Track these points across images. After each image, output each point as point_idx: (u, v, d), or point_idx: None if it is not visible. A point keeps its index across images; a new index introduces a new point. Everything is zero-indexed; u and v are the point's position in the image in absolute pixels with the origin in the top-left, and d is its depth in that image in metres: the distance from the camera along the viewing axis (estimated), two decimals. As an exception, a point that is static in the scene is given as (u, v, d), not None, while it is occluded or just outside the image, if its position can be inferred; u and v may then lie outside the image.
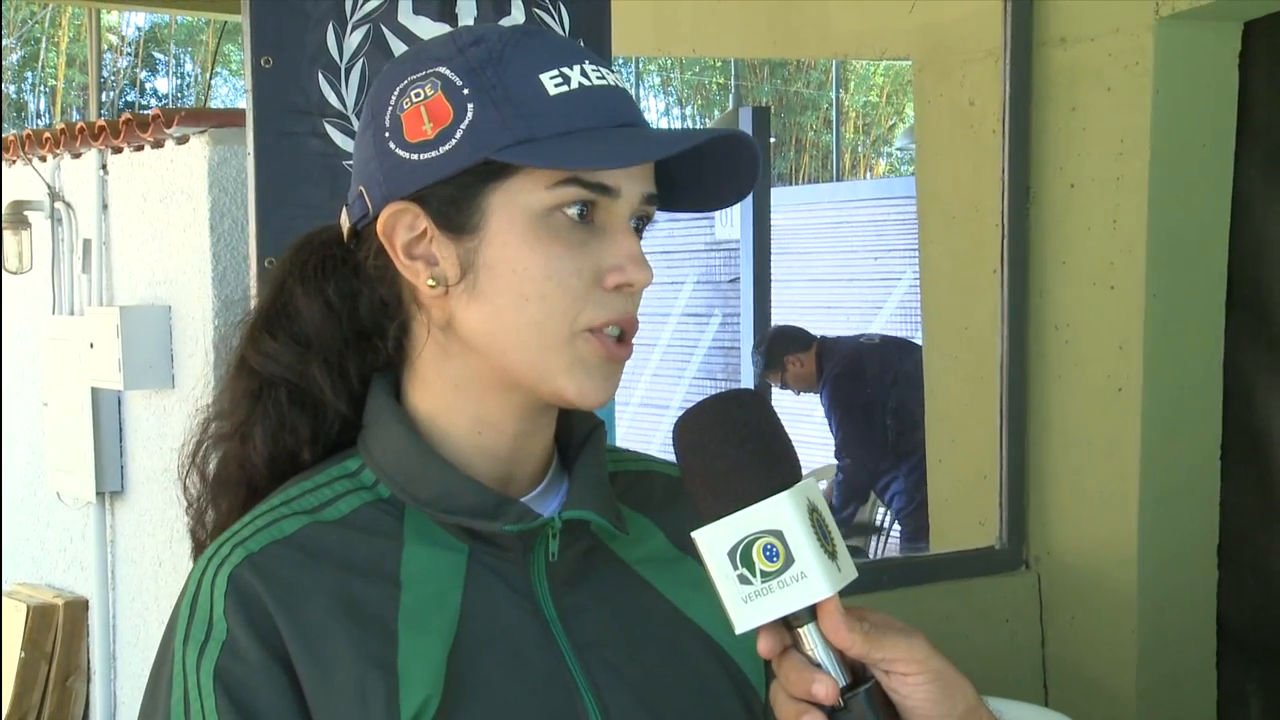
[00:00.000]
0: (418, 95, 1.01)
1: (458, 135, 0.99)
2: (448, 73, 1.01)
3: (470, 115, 0.99)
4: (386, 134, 1.03)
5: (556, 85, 1.00)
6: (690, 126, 19.01)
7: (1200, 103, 2.75)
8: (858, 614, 0.92)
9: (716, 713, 1.09)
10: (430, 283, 1.02)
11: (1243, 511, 2.84)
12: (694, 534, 0.93)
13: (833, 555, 0.91)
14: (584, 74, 1.01)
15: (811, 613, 0.91)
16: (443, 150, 1.00)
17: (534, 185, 0.99)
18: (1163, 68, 2.69)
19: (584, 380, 1.02)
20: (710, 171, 1.05)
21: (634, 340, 1.05)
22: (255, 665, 0.97)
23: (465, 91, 1.00)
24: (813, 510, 0.92)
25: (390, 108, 1.03)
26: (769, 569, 0.90)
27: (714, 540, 0.92)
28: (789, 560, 0.89)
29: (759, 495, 0.91)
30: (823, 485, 6.07)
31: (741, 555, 0.90)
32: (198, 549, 1.11)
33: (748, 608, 0.91)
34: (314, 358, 1.08)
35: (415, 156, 1.01)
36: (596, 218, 1.01)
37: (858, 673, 0.92)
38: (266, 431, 1.08)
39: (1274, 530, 2.78)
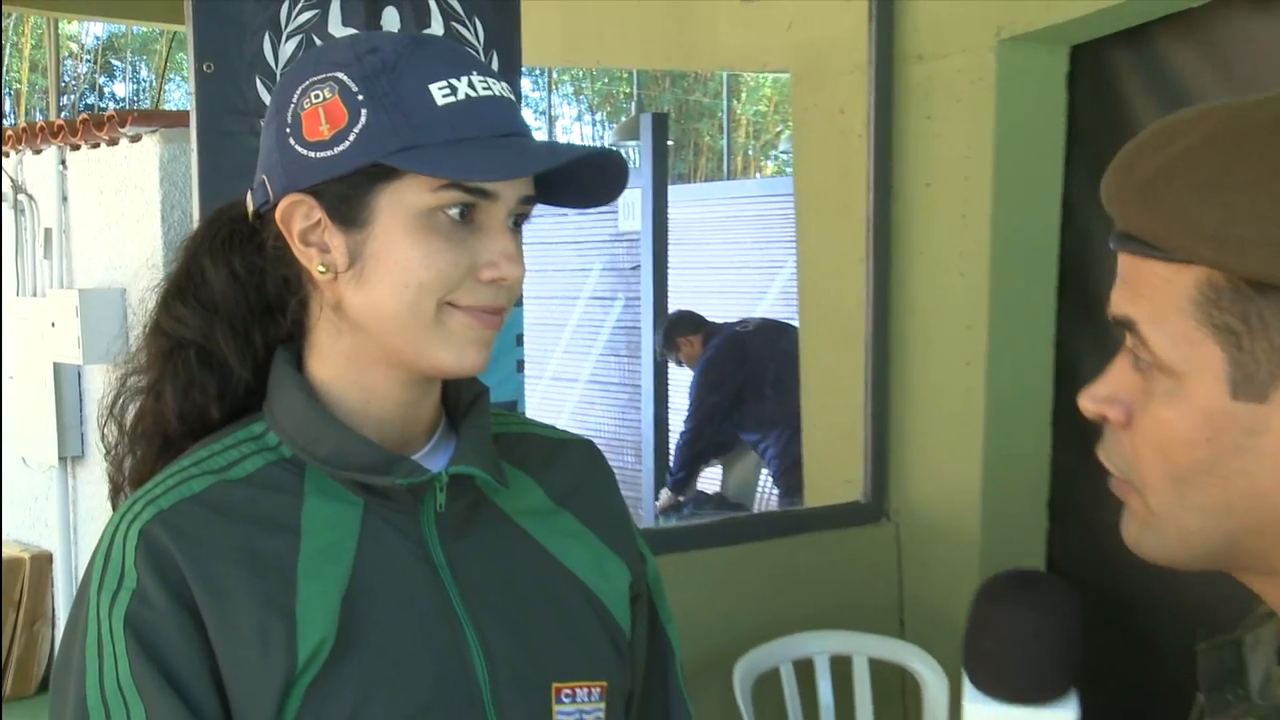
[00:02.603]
0: (317, 97, 1.00)
1: (351, 138, 0.98)
2: (345, 78, 0.99)
3: (363, 120, 0.98)
4: (288, 130, 1.01)
5: (444, 96, 0.98)
6: (601, 131, 18.95)
7: (1035, 114, 2.78)
8: None
9: (585, 648, 1.11)
10: (321, 269, 1.02)
11: (1070, 470, 2.88)
12: (967, 701, 0.88)
13: None
14: (471, 85, 0.99)
15: None
16: (337, 151, 0.98)
17: (419, 188, 0.98)
18: (1003, 83, 2.72)
19: (458, 351, 1.02)
20: (584, 176, 1.04)
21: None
22: (163, 611, 0.96)
23: (360, 98, 0.98)
24: None
25: (292, 106, 1.01)
26: None
27: (985, 716, 0.87)
28: None
29: (1044, 700, 0.87)
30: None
31: None
32: (115, 492, 1.10)
33: None
34: (220, 322, 1.07)
35: (312, 154, 1.00)
36: (476, 217, 1.00)
37: None
38: (177, 389, 1.07)
39: (1096, 486, 2.75)
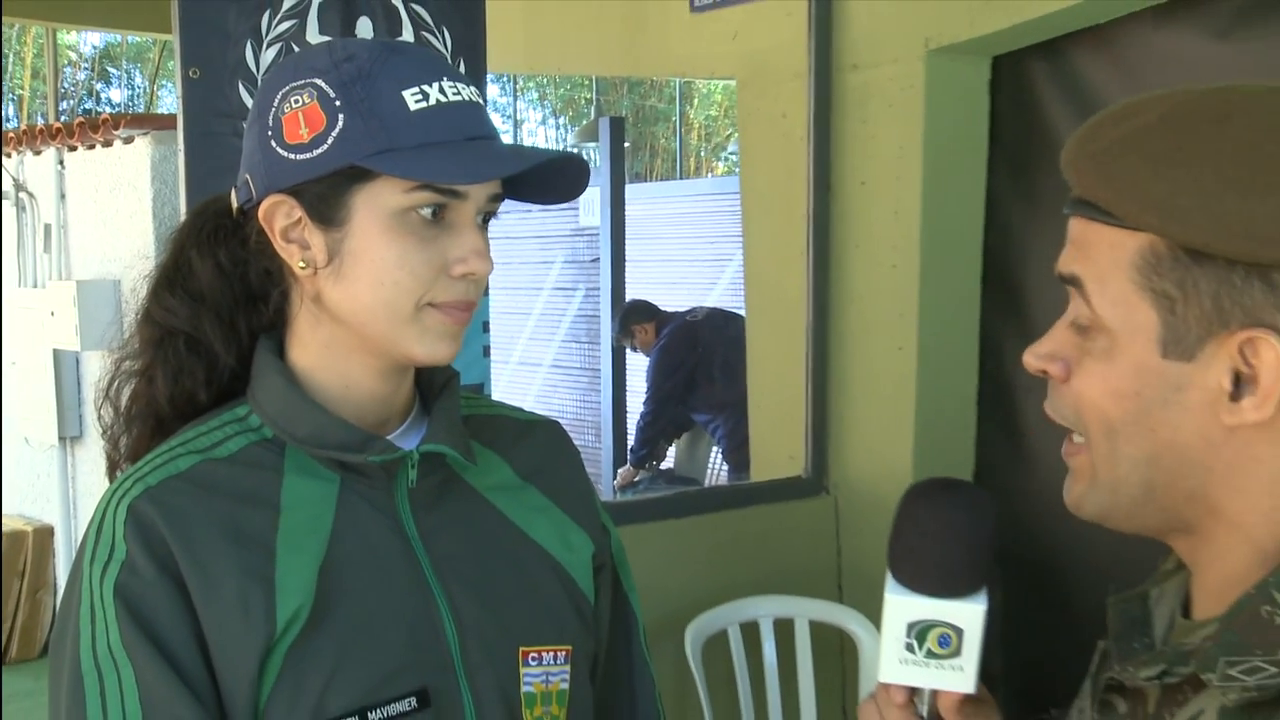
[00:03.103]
0: (297, 102, 0.99)
1: (329, 141, 0.97)
2: (323, 85, 0.98)
3: (341, 124, 0.97)
4: (269, 133, 1.00)
5: (417, 101, 0.97)
6: (563, 134, 18.88)
7: (960, 119, 2.79)
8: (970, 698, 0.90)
9: (550, 614, 1.10)
10: (301, 265, 1.01)
11: (993, 445, 2.90)
12: (889, 593, 0.87)
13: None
14: (442, 90, 0.98)
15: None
16: (316, 153, 0.97)
17: (393, 189, 0.97)
18: (931, 90, 2.72)
19: (431, 344, 1.01)
20: (549, 176, 1.04)
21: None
22: (150, 580, 0.96)
23: (337, 103, 0.97)
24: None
25: (273, 109, 1.00)
26: (937, 652, 0.86)
27: (903, 607, 0.87)
28: (956, 653, 0.86)
29: (957, 594, 0.86)
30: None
31: (919, 631, 0.86)
32: (112, 469, 1.10)
33: (901, 668, 0.87)
34: (207, 312, 1.06)
35: (293, 156, 0.98)
36: (447, 216, 0.99)
37: None
38: (168, 374, 1.06)
39: (1017, 460, 2.83)
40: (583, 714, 1.12)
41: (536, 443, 1.19)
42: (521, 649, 1.07)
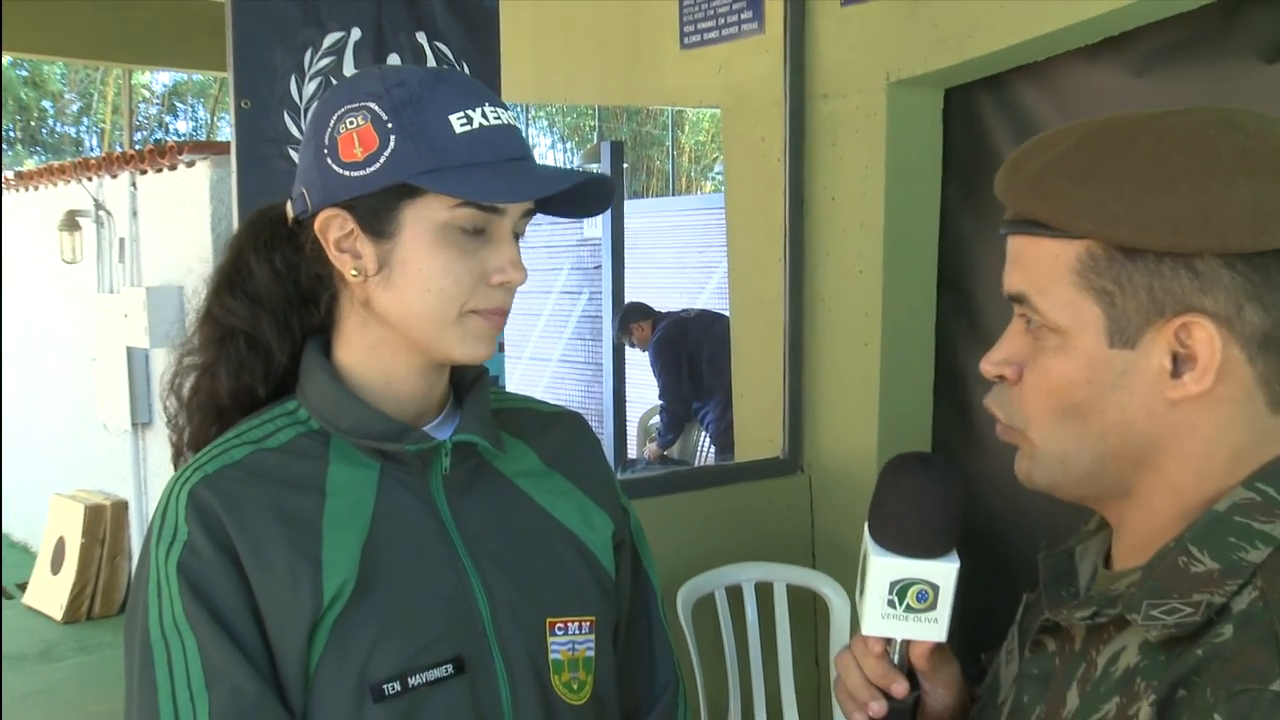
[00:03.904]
0: (352, 123, 0.96)
1: (381, 160, 0.95)
2: (376, 108, 0.96)
3: (392, 145, 0.95)
4: (325, 151, 0.98)
5: (461, 125, 0.95)
6: (570, 157, 18.85)
7: (917, 143, 2.80)
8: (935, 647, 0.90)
9: (575, 588, 1.08)
10: (353, 272, 0.99)
11: (947, 428, 2.90)
12: (873, 556, 0.86)
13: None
14: (484, 115, 0.96)
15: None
16: (369, 171, 0.95)
17: (439, 205, 0.96)
18: (892, 117, 2.73)
19: (471, 346, 1.00)
20: (579, 194, 1.02)
21: (522, 311, 1.02)
22: (209, 559, 0.94)
23: (389, 125, 0.95)
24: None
25: (329, 129, 0.98)
26: (915, 606, 0.86)
27: (887, 568, 0.86)
28: (932, 607, 0.86)
29: (934, 555, 0.86)
30: (655, 421, 6.13)
31: (900, 589, 0.86)
32: (176, 455, 1.08)
33: (883, 622, 0.86)
34: (265, 313, 1.04)
35: (347, 173, 0.96)
36: (487, 230, 0.98)
37: (911, 679, 0.90)
38: (230, 371, 1.05)
39: (968, 441, 2.83)
40: (607, 678, 1.09)
41: (560, 432, 1.16)
42: (549, 620, 1.04)
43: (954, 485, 0.88)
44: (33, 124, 18.60)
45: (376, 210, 0.97)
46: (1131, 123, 0.76)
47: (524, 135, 1.01)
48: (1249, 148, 0.73)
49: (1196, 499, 0.77)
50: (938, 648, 0.90)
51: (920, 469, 0.88)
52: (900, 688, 0.87)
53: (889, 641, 0.88)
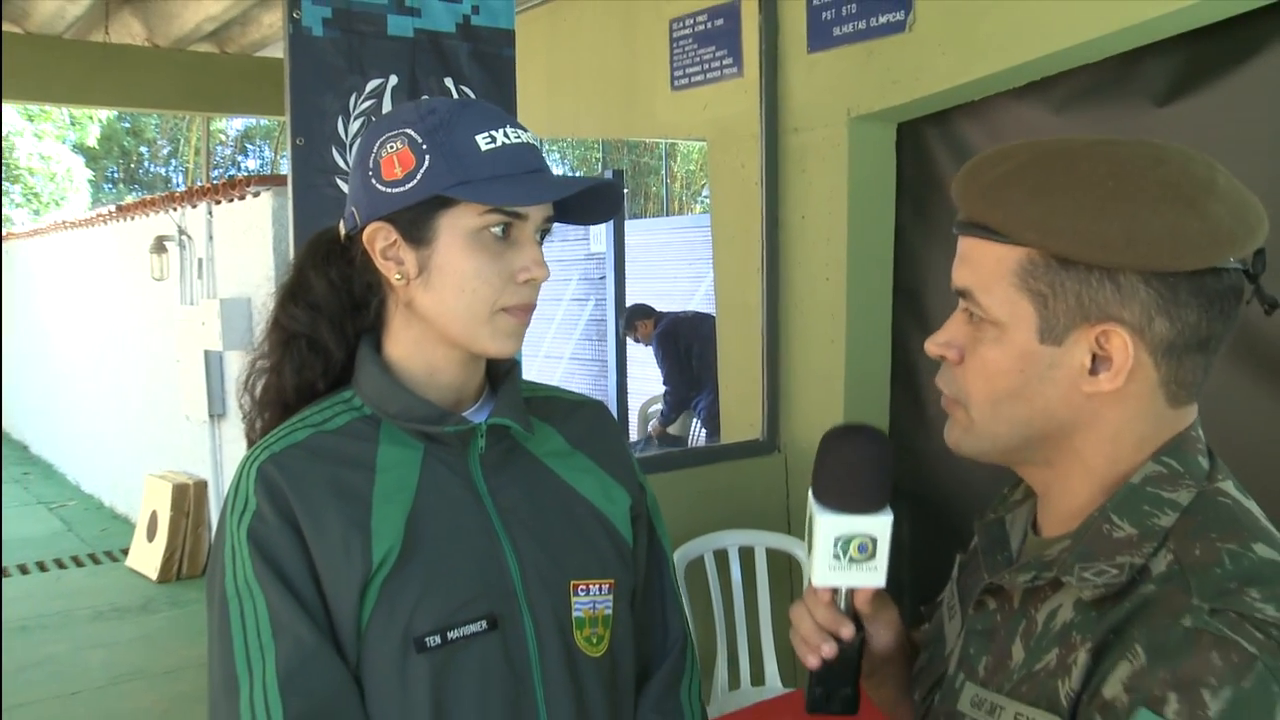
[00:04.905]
0: (392, 147, 0.96)
1: (418, 177, 0.94)
2: (412, 133, 0.95)
3: (427, 163, 0.94)
4: (370, 173, 0.98)
5: (487, 144, 0.94)
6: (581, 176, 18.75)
7: (874, 169, 2.80)
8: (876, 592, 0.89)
9: (596, 554, 1.06)
10: (397, 277, 0.98)
11: (902, 413, 2.90)
12: (818, 515, 0.84)
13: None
14: (506, 134, 0.95)
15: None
16: (408, 187, 0.95)
17: (470, 213, 0.95)
18: (853, 148, 2.73)
19: (501, 341, 0.99)
20: (590, 202, 1.01)
21: (538, 315, 1.01)
22: (274, 527, 0.94)
23: (424, 147, 0.94)
24: None
25: (373, 154, 0.98)
26: (857, 557, 0.84)
27: (832, 525, 0.84)
28: (872, 557, 0.84)
29: (871, 510, 0.84)
30: (655, 408, 6.13)
31: (843, 543, 0.84)
32: (250, 444, 1.07)
33: (830, 573, 0.85)
34: (323, 319, 1.03)
35: (389, 190, 0.96)
36: (512, 234, 0.97)
37: (857, 624, 0.88)
38: (293, 369, 1.04)
39: (919, 424, 2.84)
40: (624, 635, 1.08)
41: (584, 418, 1.14)
42: (572, 582, 1.02)
43: (885, 449, 0.86)
44: (133, 165, 19.41)
45: (415, 221, 0.96)
46: (1075, 148, 0.76)
47: (541, 152, 0.99)
48: (1171, 180, 0.72)
49: (1109, 477, 0.77)
50: (878, 593, 0.89)
51: (856, 436, 0.86)
52: (848, 631, 0.87)
53: (836, 591, 0.87)
